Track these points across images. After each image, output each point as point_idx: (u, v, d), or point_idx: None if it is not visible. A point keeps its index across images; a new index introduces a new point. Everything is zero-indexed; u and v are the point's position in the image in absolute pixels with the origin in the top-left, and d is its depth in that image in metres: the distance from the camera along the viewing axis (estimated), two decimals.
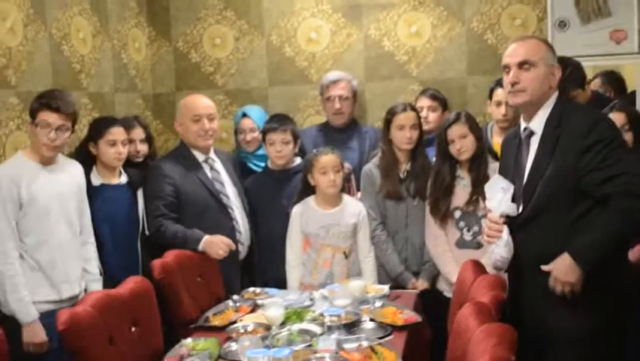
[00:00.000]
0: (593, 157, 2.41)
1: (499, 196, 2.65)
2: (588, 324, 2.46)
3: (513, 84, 2.62)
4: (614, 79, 4.43)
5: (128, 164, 3.70)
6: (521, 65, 2.60)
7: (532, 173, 2.62)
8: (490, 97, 3.85)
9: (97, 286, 3.22)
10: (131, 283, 2.86)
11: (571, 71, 3.44)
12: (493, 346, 1.78)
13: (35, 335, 2.88)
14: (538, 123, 2.62)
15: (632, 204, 2.35)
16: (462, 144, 3.42)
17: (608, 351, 2.46)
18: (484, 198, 2.86)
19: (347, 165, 3.83)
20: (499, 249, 2.63)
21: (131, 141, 3.72)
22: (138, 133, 3.79)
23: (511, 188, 2.68)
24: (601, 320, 2.45)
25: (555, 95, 2.64)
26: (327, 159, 3.55)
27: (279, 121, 3.86)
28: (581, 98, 3.60)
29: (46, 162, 3.07)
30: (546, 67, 2.61)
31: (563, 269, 2.45)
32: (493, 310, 2.22)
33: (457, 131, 3.43)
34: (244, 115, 4.21)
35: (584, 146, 2.43)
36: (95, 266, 3.30)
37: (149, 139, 3.89)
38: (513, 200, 2.66)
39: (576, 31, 4.25)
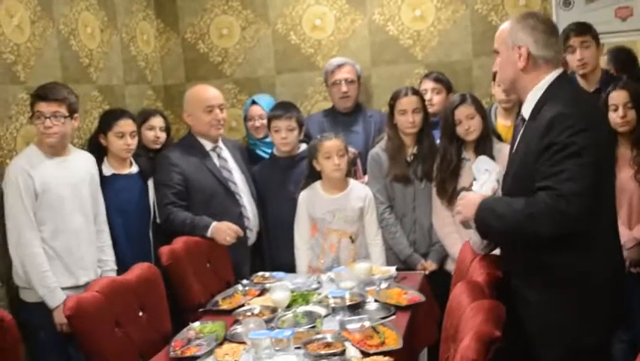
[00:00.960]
0: (544, 160, 2.22)
1: (484, 178, 2.62)
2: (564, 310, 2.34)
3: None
4: (620, 56, 4.40)
5: (147, 150, 3.82)
6: (494, 52, 2.51)
7: (508, 164, 2.53)
8: (494, 78, 3.86)
9: (112, 275, 3.30)
10: (138, 270, 2.92)
11: None
12: (480, 322, 1.81)
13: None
14: (527, 109, 2.42)
15: (547, 210, 2.19)
16: (470, 125, 3.44)
17: (591, 340, 2.32)
18: None
19: (352, 150, 3.87)
20: (473, 233, 2.62)
21: (151, 128, 3.85)
22: (158, 121, 3.90)
23: (495, 169, 2.63)
24: (580, 308, 2.32)
25: (548, 80, 2.35)
26: (331, 143, 3.59)
27: (283, 108, 3.91)
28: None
29: (56, 153, 3.16)
30: (507, 50, 2.40)
31: (467, 203, 2.48)
32: (486, 288, 2.25)
33: (464, 112, 3.45)
34: (253, 102, 4.29)
35: (541, 146, 2.24)
36: (109, 255, 3.40)
37: (167, 129, 3.98)
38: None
39: (581, 9, 4.22)
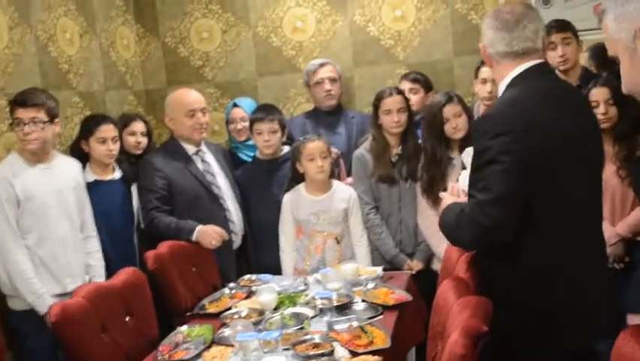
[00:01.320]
0: (472, 167, 2.21)
1: (466, 172, 2.64)
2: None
3: None
4: (600, 53, 4.43)
5: (129, 156, 3.79)
6: None
7: None
8: (476, 75, 3.88)
9: (101, 280, 3.27)
10: (124, 275, 2.91)
11: None
12: (467, 317, 1.81)
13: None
14: None
15: (466, 220, 2.16)
16: (457, 123, 3.48)
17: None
18: None
19: (335, 150, 3.87)
20: None
21: (132, 134, 3.82)
22: (139, 126, 3.87)
23: None
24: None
25: (511, 75, 2.26)
26: (314, 145, 3.59)
27: (265, 111, 3.91)
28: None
29: (38, 159, 3.14)
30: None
31: (442, 206, 2.42)
32: (472, 285, 2.26)
33: (451, 110, 3.48)
34: (235, 105, 4.28)
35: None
36: (97, 259, 3.38)
37: (149, 133, 3.96)
38: None
39: (560, 6, 4.27)
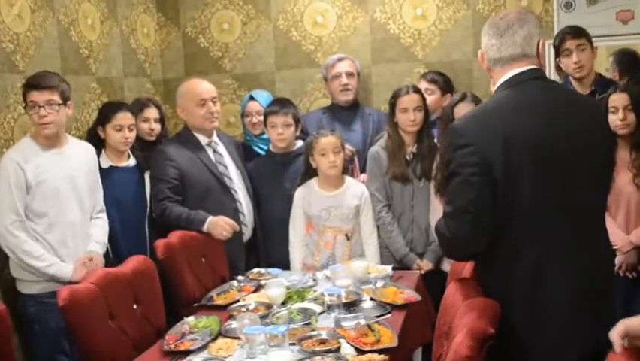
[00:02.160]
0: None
1: None
2: None
3: None
4: (625, 59, 4.39)
5: (142, 142, 3.79)
6: None
7: None
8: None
9: (96, 248, 3.26)
10: (134, 262, 2.90)
11: None
12: (473, 319, 1.80)
13: (81, 277, 2.87)
14: None
15: (439, 234, 2.23)
16: None
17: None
18: None
19: (350, 147, 3.86)
20: None
21: (145, 120, 3.84)
22: (152, 112, 3.89)
23: None
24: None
25: (499, 81, 2.22)
26: (327, 140, 3.58)
27: (280, 104, 3.91)
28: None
29: (52, 144, 3.14)
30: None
31: None
32: (480, 286, 2.24)
33: (463, 108, 3.43)
34: (251, 98, 4.27)
35: None
36: (96, 243, 3.30)
37: (162, 120, 3.97)
38: None
39: (582, 11, 4.22)
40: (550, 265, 2.08)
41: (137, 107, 3.83)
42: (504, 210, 2.06)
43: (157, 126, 3.89)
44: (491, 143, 2.04)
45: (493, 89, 2.25)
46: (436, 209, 3.59)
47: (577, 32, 3.61)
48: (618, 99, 3.21)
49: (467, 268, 2.53)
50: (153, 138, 3.87)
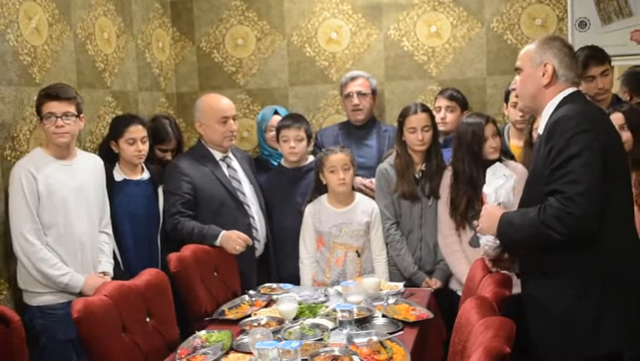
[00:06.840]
0: (549, 164, 2.33)
1: (499, 182, 2.68)
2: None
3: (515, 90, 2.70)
4: (634, 79, 4.39)
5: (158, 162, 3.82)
6: (517, 70, 2.63)
7: (528, 177, 2.65)
8: (507, 99, 3.85)
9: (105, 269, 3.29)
10: (147, 275, 2.91)
11: None
12: (489, 338, 1.80)
13: (93, 287, 2.91)
14: (541, 125, 2.52)
15: (556, 214, 2.26)
16: (496, 143, 3.43)
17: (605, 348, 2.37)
18: None
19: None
20: (485, 239, 2.71)
21: (164, 151, 3.88)
22: (170, 144, 3.95)
23: (513, 177, 2.74)
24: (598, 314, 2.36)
25: (561, 96, 2.47)
26: (336, 157, 3.58)
27: (292, 118, 3.94)
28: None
29: (63, 155, 3.16)
30: (532, 68, 2.52)
31: (489, 217, 2.58)
32: (495, 305, 2.24)
33: (490, 130, 3.42)
34: (275, 112, 4.29)
35: (546, 151, 2.36)
36: (108, 263, 3.32)
37: (179, 144, 4.00)
38: None
39: (597, 31, 4.22)
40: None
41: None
42: (609, 195, 2.30)
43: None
44: (604, 133, 2.37)
45: (554, 99, 2.48)
46: (443, 229, 3.58)
47: (600, 58, 3.61)
48: (614, 119, 3.23)
49: (482, 285, 2.53)
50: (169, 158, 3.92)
